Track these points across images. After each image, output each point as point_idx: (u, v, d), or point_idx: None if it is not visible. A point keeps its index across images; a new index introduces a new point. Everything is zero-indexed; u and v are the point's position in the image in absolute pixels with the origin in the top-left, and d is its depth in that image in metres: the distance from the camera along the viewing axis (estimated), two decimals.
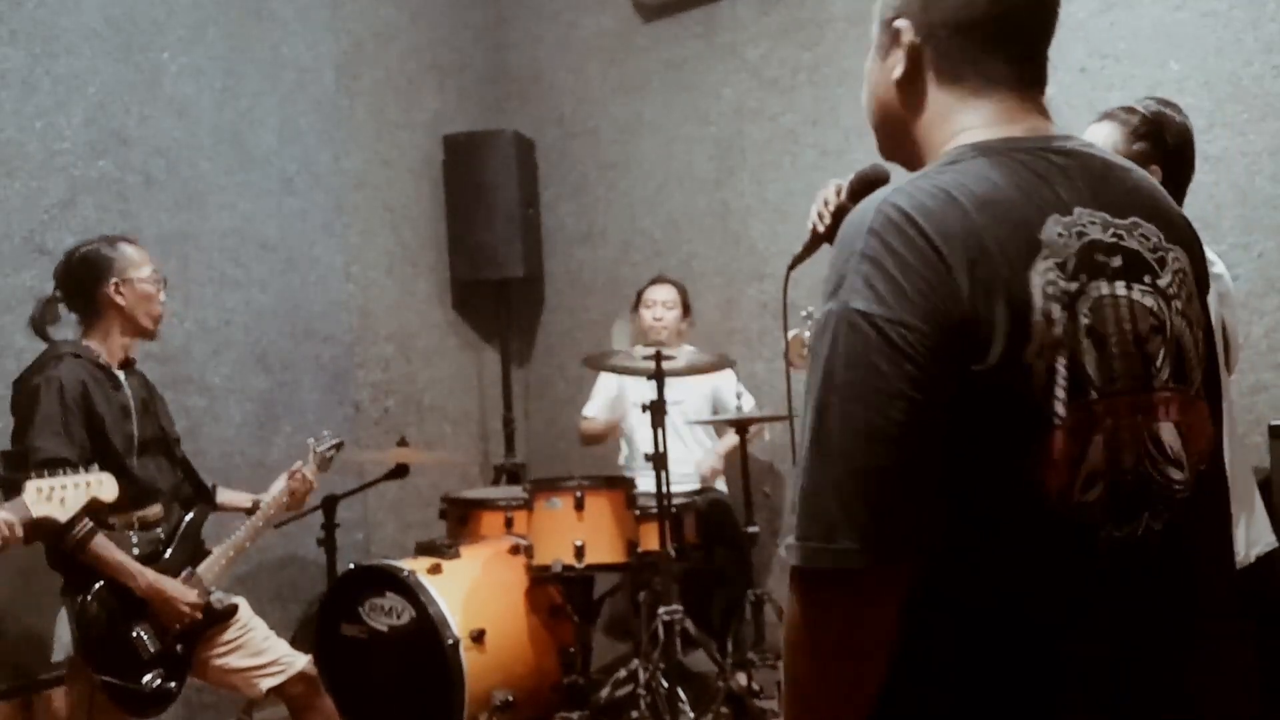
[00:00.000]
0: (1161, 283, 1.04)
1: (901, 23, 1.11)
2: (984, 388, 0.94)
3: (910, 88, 1.12)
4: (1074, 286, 0.98)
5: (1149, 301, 1.03)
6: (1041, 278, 0.97)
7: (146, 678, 2.57)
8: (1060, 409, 0.95)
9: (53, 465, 2.41)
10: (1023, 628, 0.96)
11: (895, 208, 0.97)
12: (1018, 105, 1.08)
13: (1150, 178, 1.13)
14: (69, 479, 2.25)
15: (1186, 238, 1.11)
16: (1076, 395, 0.96)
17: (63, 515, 2.24)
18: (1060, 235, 0.99)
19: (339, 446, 3.26)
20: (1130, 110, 2.19)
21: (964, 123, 1.08)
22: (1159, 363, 1.02)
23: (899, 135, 1.15)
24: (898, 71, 1.12)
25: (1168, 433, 1.02)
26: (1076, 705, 0.97)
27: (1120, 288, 1.01)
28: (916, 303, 0.93)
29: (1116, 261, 1.02)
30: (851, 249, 0.98)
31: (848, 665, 0.95)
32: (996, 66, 1.08)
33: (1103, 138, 2.15)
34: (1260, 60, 3.50)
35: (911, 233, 0.95)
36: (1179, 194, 2.23)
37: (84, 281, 2.67)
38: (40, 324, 2.66)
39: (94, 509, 2.38)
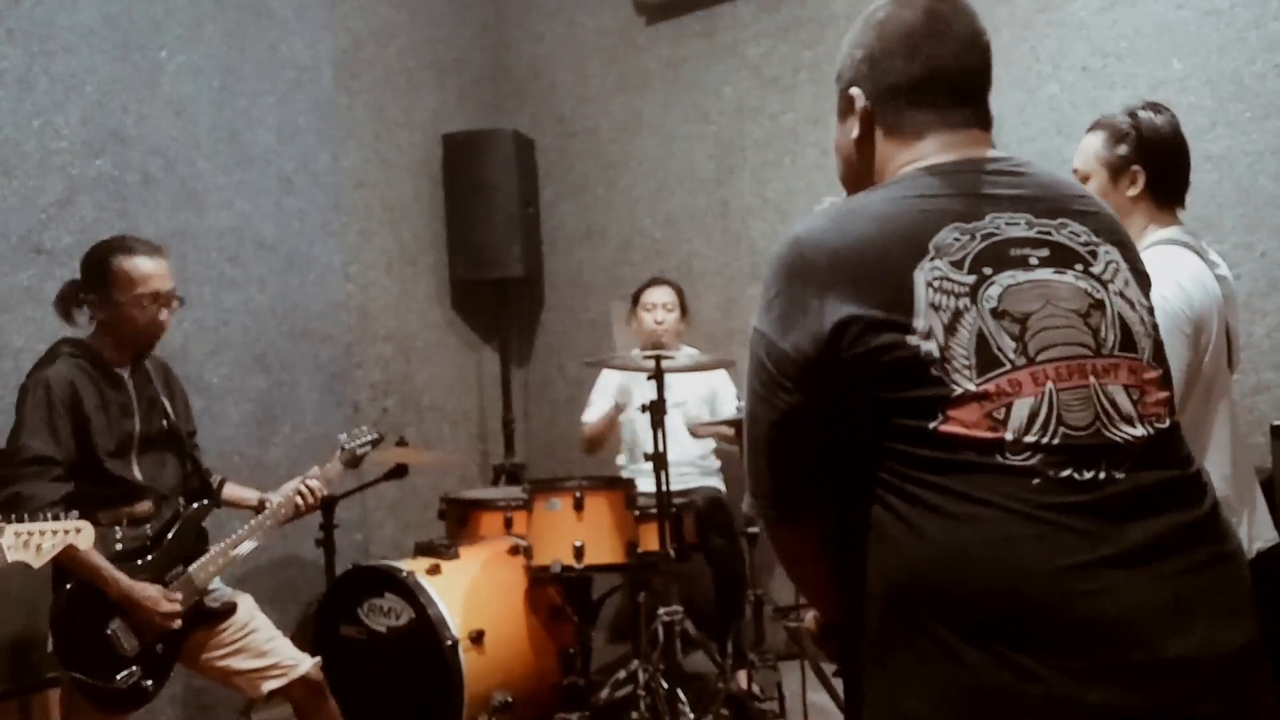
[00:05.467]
0: (1095, 269, 1.21)
1: (855, 90, 1.35)
2: (876, 367, 1.14)
3: (865, 142, 1.36)
4: (971, 279, 1.16)
5: (1083, 284, 1.19)
6: (927, 275, 1.16)
7: (120, 675, 2.52)
8: (962, 380, 1.12)
9: (37, 464, 2.47)
10: (967, 544, 1.10)
11: (795, 237, 1.23)
12: (949, 141, 1.30)
13: (1082, 188, 1.29)
14: (48, 525, 2.20)
15: (1118, 238, 1.28)
16: (988, 367, 1.13)
17: (36, 562, 2.19)
18: (956, 239, 1.18)
19: (376, 442, 3.16)
20: (1113, 117, 2.22)
21: (903, 159, 1.31)
22: (1103, 333, 1.17)
23: (863, 183, 1.36)
24: (855, 131, 1.36)
25: (1120, 393, 1.16)
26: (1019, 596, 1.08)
27: (1046, 274, 1.18)
28: (790, 326, 1.18)
29: (1042, 253, 1.19)
30: (767, 271, 1.24)
31: (795, 568, 1.35)
32: (926, 116, 1.31)
33: (1091, 147, 2.21)
34: (1263, 59, 3.48)
35: (798, 260, 1.20)
36: (1176, 192, 2.21)
37: (85, 282, 2.67)
38: (64, 307, 2.67)
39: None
